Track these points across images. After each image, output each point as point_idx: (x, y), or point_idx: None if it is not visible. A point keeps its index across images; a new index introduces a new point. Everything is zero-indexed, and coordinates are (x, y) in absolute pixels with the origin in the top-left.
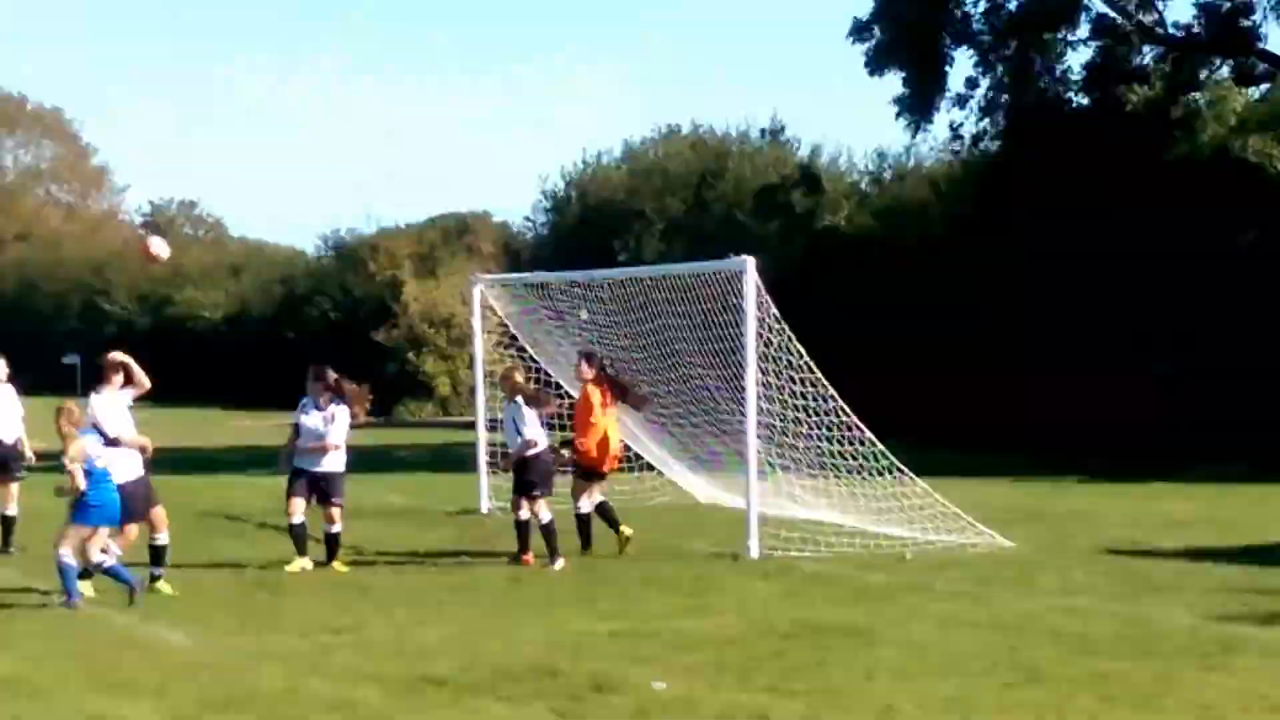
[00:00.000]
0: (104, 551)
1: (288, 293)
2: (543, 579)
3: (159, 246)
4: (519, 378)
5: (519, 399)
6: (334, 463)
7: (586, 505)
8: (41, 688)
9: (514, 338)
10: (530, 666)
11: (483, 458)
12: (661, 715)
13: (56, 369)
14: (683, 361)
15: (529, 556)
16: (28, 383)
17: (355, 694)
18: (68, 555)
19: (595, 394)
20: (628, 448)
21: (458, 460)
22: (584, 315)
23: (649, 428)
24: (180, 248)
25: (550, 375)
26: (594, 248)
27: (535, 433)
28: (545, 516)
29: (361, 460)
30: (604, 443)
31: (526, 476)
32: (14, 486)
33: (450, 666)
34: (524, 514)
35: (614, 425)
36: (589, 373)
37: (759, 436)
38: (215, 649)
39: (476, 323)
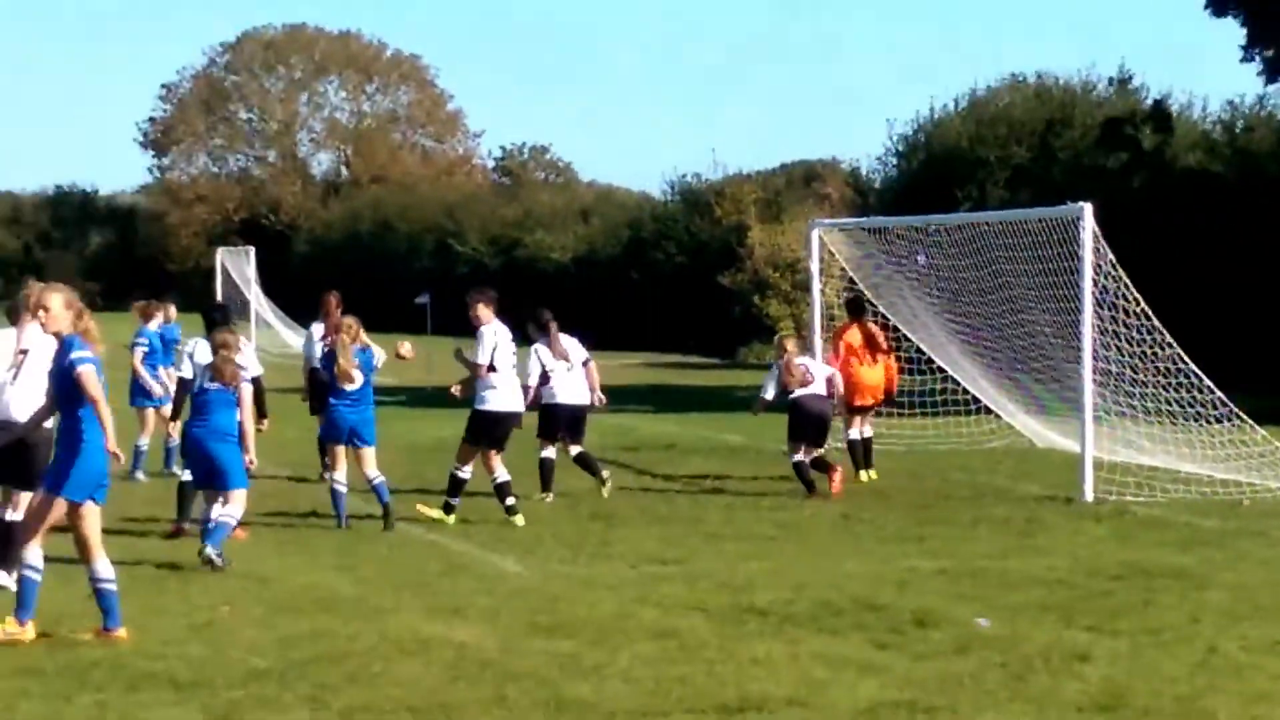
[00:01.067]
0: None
1: (634, 236)
2: (873, 518)
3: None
4: (789, 345)
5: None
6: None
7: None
8: (378, 609)
9: (854, 282)
10: (853, 600)
11: None
12: (981, 650)
13: (409, 309)
14: (1019, 307)
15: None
16: (382, 321)
17: (680, 623)
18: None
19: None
20: (961, 391)
21: None
22: (921, 259)
23: (988, 371)
24: (530, 192)
25: (889, 319)
26: (939, 194)
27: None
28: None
29: (704, 400)
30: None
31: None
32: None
33: (773, 599)
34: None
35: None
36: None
37: (1095, 382)
38: (547, 576)
39: (814, 266)
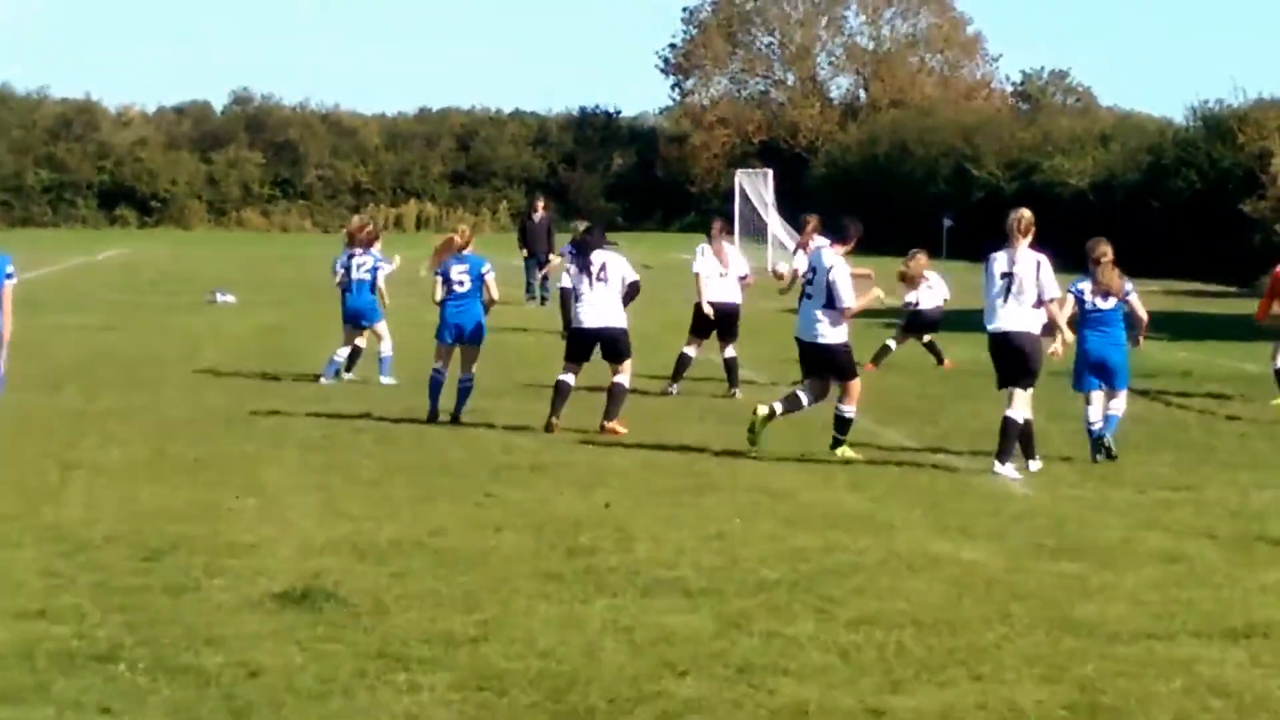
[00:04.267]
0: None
1: (1154, 162)
2: None
3: None
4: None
5: None
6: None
7: None
8: (886, 525)
9: None
10: None
11: None
12: None
13: (929, 230)
14: None
15: None
16: (897, 243)
17: (1188, 548)
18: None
19: None
20: None
21: None
22: None
23: None
24: (1048, 116)
25: None
26: None
27: None
28: None
29: (1222, 327)
30: None
31: None
32: None
33: None
34: None
35: None
36: None
37: None
38: (1054, 498)
39: None
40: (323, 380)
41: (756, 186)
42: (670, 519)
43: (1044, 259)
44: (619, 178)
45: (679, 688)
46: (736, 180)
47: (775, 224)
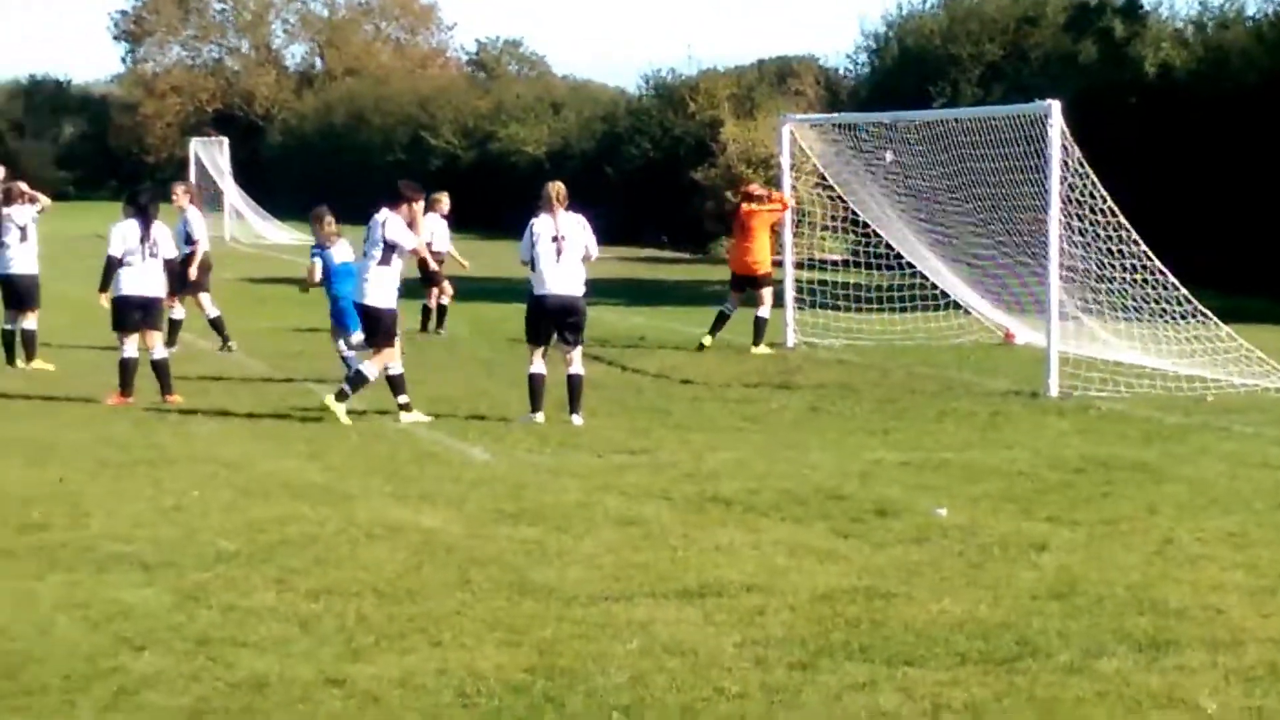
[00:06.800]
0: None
1: (608, 130)
2: (840, 411)
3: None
4: None
5: None
6: None
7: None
8: (345, 494)
9: (824, 179)
10: (816, 490)
11: (790, 293)
12: (940, 540)
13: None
14: (987, 205)
15: None
16: (355, 213)
17: (645, 511)
18: None
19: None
20: (929, 287)
21: None
22: (889, 157)
23: (956, 266)
24: (504, 85)
25: (859, 215)
26: (911, 92)
27: None
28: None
29: (674, 294)
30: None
31: None
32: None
33: (738, 488)
34: None
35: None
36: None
37: (1062, 279)
38: (514, 465)
39: (785, 161)
40: None
41: (212, 155)
42: (125, 492)
43: (584, 219)
44: (70, 147)
45: (136, 662)
46: (192, 148)
47: (232, 192)
